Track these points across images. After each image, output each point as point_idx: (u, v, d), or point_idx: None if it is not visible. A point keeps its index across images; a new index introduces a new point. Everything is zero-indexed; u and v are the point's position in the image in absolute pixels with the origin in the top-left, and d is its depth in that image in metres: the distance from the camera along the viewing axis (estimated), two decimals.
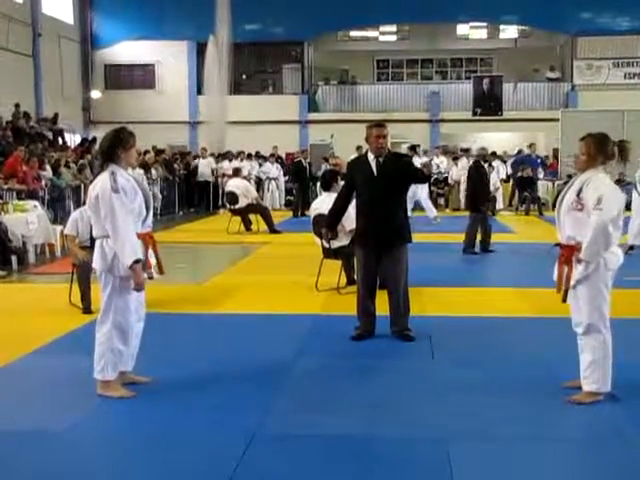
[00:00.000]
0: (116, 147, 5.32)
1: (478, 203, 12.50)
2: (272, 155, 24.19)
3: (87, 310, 7.95)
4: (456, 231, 13.86)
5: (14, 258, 11.13)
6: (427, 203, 18.22)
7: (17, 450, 4.44)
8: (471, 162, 14.26)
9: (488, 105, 27.87)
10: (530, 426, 4.76)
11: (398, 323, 6.91)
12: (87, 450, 4.48)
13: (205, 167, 22.39)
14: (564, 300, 5.14)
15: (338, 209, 7.26)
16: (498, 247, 12.87)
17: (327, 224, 7.39)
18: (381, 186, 6.71)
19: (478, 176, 12.58)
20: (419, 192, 17.80)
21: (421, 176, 7.13)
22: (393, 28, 31.19)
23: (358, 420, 4.86)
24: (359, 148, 23.55)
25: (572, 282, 5.02)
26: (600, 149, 5.11)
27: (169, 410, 5.06)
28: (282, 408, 5.11)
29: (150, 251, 5.49)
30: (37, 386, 5.78)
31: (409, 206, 17.50)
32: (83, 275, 8.06)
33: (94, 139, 22.96)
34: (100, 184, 5.21)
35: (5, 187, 12.96)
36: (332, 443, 4.48)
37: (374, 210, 6.77)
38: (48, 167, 15.24)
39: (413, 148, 18.83)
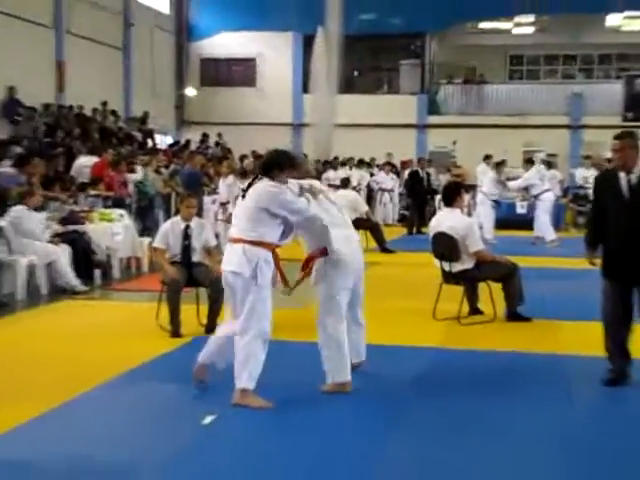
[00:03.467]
0: (282, 168, 6.05)
1: None
2: (387, 163, 24.25)
3: (176, 334, 8.16)
4: None
5: (97, 272, 11.54)
6: (543, 225, 17.84)
7: None
8: None
9: None
10: None
11: None
12: None
13: None
14: None
15: (595, 230, 6.93)
16: None
17: (588, 241, 7.01)
18: (635, 209, 6.46)
19: None
20: (537, 210, 17.69)
21: None
22: (530, 19, 30.83)
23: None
24: (487, 158, 23.45)
25: None
26: None
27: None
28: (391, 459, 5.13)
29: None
30: (125, 416, 5.97)
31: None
32: (172, 294, 8.28)
33: (188, 142, 23.59)
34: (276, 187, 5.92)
35: (92, 193, 13.43)
36: None
37: (624, 236, 6.52)
38: (139, 168, 15.68)
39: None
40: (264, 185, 5.98)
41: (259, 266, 5.80)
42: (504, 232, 18.31)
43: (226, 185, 14.90)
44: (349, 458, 5.00)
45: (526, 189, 18.57)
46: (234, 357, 5.91)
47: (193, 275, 8.57)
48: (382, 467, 4.94)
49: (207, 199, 14.82)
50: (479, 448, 5.22)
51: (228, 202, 14.72)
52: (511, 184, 18.51)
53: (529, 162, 18.85)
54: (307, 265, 6.31)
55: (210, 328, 8.19)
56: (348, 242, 6.46)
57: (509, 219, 19.74)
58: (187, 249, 8.60)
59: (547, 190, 18.13)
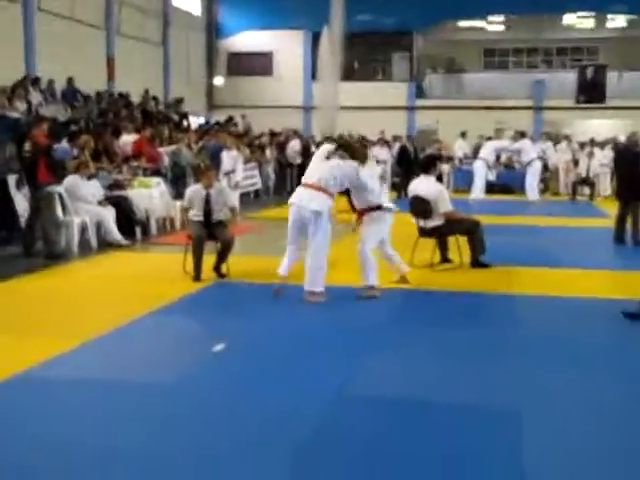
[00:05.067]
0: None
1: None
2: (380, 139, 24.05)
3: (197, 278, 8.24)
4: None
5: (138, 229, 11.57)
6: (532, 186, 17.90)
7: (139, 398, 4.69)
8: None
9: (592, 93, 26.94)
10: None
11: None
12: (193, 400, 4.68)
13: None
14: None
15: None
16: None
17: None
18: None
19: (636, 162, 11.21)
20: (527, 174, 17.67)
21: None
22: (500, 18, 30.47)
23: (436, 388, 4.89)
24: (464, 134, 23.31)
25: None
26: None
27: (266, 366, 5.22)
28: (365, 373, 5.18)
29: None
30: (155, 341, 6.14)
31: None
32: (196, 247, 8.33)
33: (217, 122, 23.51)
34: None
35: (134, 165, 13.42)
36: (407, 407, 4.53)
37: None
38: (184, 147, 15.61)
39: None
40: (349, 162, 7.40)
41: (329, 207, 7.26)
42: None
43: (230, 157, 14.30)
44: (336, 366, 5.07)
45: (519, 154, 18.43)
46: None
47: (212, 231, 8.60)
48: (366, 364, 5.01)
49: None
50: (438, 358, 5.30)
51: (233, 171, 14.22)
52: (513, 145, 18.29)
53: (522, 135, 18.67)
54: (362, 214, 7.70)
55: (216, 267, 8.51)
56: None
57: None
58: (208, 212, 8.61)
59: (536, 158, 18.13)
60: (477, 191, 17.71)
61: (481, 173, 17.92)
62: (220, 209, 8.75)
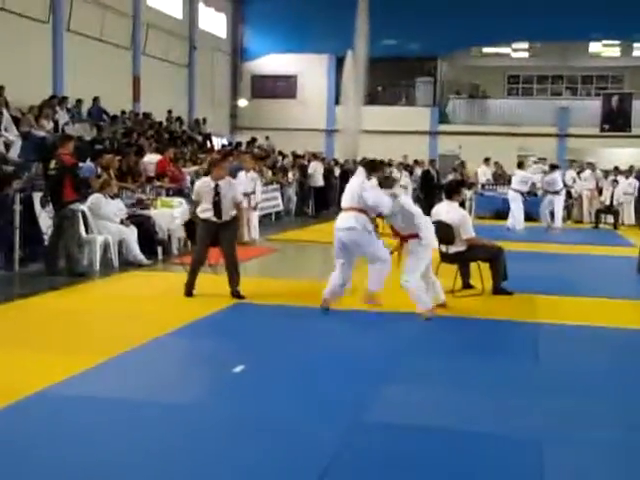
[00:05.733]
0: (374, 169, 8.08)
1: None
2: (400, 164, 24.07)
3: (189, 294, 8.52)
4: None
5: (159, 249, 11.62)
6: (559, 214, 17.80)
7: (156, 418, 4.68)
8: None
9: (616, 121, 26.84)
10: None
11: None
12: (209, 422, 4.65)
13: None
14: None
15: None
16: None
17: None
18: None
19: None
20: (555, 202, 17.57)
21: None
22: (525, 45, 30.52)
23: (456, 416, 4.84)
24: (487, 160, 23.26)
25: None
26: None
27: (283, 390, 5.20)
28: (384, 399, 5.14)
29: None
30: (174, 362, 6.18)
31: (546, 215, 17.44)
32: (196, 267, 8.64)
33: (239, 143, 23.66)
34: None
35: (157, 185, 13.53)
36: (427, 434, 4.48)
37: None
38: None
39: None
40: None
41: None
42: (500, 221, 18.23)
43: (250, 179, 14.02)
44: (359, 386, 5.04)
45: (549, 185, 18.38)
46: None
47: (219, 235, 8.54)
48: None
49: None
50: (458, 386, 5.24)
51: (253, 192, 13.91)
52: (545, 178, 18.27)
53: (553, 167, 18.66)
54: (404, 240, 7.80)
55: (234, 292, 8.50)
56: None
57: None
58: (218, 204, 8.49)
59: (563, 188, 18.11)
60: (520, 223, 17.43)
61: (518, 204, 17.66)
62: (229, 205, 8.58)
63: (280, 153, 23.73)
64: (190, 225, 9.49)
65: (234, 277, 8.51)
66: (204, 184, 8.67)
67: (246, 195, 14.03)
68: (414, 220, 7.74)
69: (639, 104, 27.19)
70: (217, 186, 8.52)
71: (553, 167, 18.60)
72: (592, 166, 22.10)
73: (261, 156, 19.32)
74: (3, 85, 14.78)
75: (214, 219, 8.50)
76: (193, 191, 8.94)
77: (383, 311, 7.91)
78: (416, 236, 7.70)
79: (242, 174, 13.88)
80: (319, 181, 21.32)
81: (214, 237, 8.57)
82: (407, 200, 8.13)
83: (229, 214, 8.58)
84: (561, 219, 18.12)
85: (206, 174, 9.98)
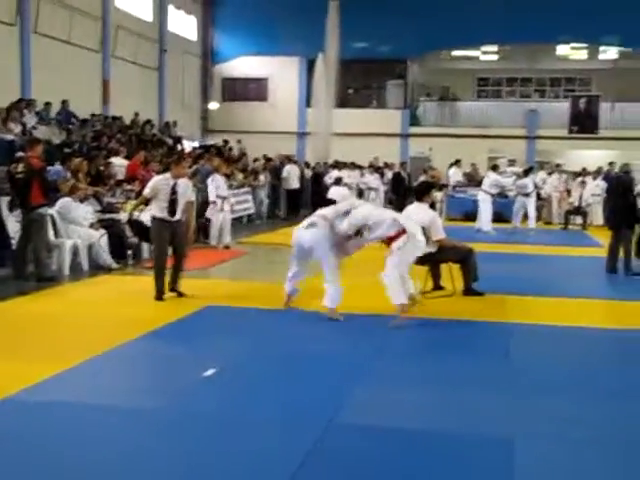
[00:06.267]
0: None
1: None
2: (371, 166, 24.09)
3: (160, 298, 8.55)
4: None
5: (129, 253, 11.54)
6: (532, 214, 18.00)
7: (126, 422, 4.65)
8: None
9: (584, 123, 27.14)
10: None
11: None
12: (181, 425, 4.63)
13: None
14: None
15: None
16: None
17: None
18: None
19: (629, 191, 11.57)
20: (528, 204, 17.76)
21: None
22: (494, 48, 30.75)
23: (428, 417, 4.86)
24: (457, 162, 23.39)
25: None
26: None
27: (256, 391, 5.18)
28: (357, 401, 5.15)
29: None
30: (144, 366, 6.17)
31: (518, 217, 17.69)
32: (162, 267, 8.71)
33: (210, 146, 23.57)
34: None
35: (127, 188, 13.42)
36: (400, 436, 4.49)
37: None
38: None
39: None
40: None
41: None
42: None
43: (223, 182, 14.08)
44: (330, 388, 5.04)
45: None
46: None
47: (172, 234, 8.61)
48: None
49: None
50: (430, 386, 5.26)
51: (226, 197, 13.99)
52: (517, 182, 18.44)
53: (526, 173, 18.81)
54: (391, 240, 7.67)
55: (174, 288, 8.69)
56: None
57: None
58: (174, 202, 8.54)
59: (533, 190, 18.27)
60: (487, 224, 17.50)
61: (487, 206, 17.75)
62: (182, 205, 8.66)
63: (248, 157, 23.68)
64: (135, 224, 9.56)
65: (178, 275, 8.69)
66: (163, 180, 8.67)
67: (223, 198, 14.04)
68: (388, 222, 7.65)
69: (606, 106, 27.50)
70: (175, 184, 8.53)
71: (527, 172, 18.73)
72: (560, 167, 22.34)
73: (233, 159, 19.27)
74: None
75: (168, 217, 8.54)
76: (147, 186, 8.83)
77: (354, 313, 7.92)
78: (403, 233, 7.60)
79: (217, 176, 13.84)
80: (294, 184, 21.35)
81: (170, 236, 8.63)
82: (367, 209, 8.00)
83: (181, 214, 8.66)
84: (534, 219, 18.28)
85: (164, 171, 9.94)
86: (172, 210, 8.53)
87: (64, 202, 10.70)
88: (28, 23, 18.41)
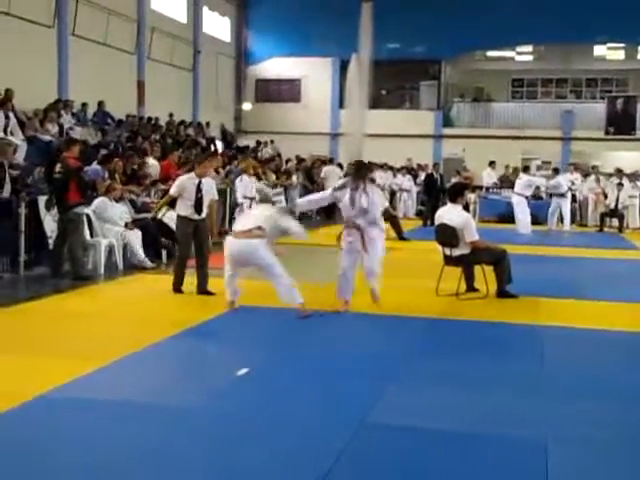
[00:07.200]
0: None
1: None
2: (403, 167, 24.06)
3: (179, 290, 8.86)
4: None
5: (163, 252, 11.64)
6: (568, 216, 17.88)
7: (157, 422, 4.69)
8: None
9: (621, 124, 26.81)
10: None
11: None
12: (216, 424, 4.67)
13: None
14: None
15: None
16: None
17: None
18: None
19: None
20: (563, 205, 17.62)
21: None
22: (529, 48, 30.50)
23: (460, 418, 4.85)
24: (491, 163, 23.26)
25: None
26: None
27: (289, 391, 5.21)
28: (389, 401, 5.15)
29: None
30: (178, 365, 6.22)
31: (553, 219, 17.61)
32: (183, 264, 8.97)
33: (245, 147, 23.70)
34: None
35: (162, 188, 13.52)
36: (431, 436, 4.49)
37: None
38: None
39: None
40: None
41: None
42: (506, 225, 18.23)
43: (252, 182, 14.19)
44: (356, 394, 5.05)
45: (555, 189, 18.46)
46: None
47: (196, 230, 8.79)
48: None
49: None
50: (463, 388, 5.25)
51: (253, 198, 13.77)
52: (549, 182, 18.45)
53: (556, 171, 18.74)
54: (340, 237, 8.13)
55: (202, 290, 8.79)
56: None
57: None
58: (199, 200, 8.73)
59: (567, 191, 18.18)
60: (526, 227, 17.35)
61: (523, 209, 17.60)
62: (207, 203, 8.87)
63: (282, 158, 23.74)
64: (160, 224, 9.76)
65: (204, 274, 8.80)
66: (189, 179, 8.86)
67: (250, 199, 14.08)
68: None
69: None
70: (200, 183, 8.71)
71: (555, 171, 18.63)
72: (595, 169, 22.10)
73: (262, 160, 19.34)
74: (10, 89, 14.81)
75: (195, 216, 8.73)
76: (173, 185, 9.04)
77: (387, 314, 7.92)
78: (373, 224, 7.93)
79: (245, 177, 13.93)
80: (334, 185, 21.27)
81: (194, 233, 8.79)
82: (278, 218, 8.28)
83: (205, 212, 8.86)
84: (569, 221, 18.14)
85: (189, 171, 10.08)
86: (198, 208, 8.73)
87: (100, 202, 10.84)
88: (66, 25, 18.70)
